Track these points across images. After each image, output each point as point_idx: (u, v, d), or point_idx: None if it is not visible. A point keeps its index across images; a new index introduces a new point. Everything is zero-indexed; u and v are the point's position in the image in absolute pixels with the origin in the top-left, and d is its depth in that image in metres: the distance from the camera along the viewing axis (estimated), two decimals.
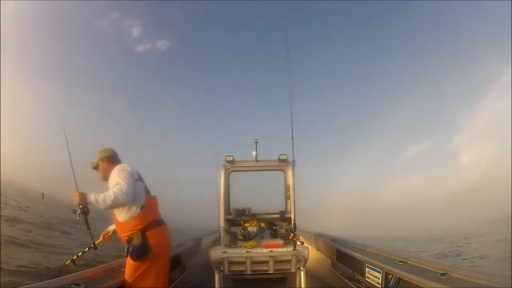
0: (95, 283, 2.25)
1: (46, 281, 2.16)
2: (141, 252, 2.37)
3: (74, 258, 2.76)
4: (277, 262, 3.14)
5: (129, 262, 2.41)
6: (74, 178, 2.45)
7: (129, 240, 2.43)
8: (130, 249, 2.39)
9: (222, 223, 3.86)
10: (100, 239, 2.77)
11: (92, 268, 2.56)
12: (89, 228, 2.46)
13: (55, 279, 2.18)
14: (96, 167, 2.63)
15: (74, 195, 2.29)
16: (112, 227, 2.79)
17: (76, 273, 2.36)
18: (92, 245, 2.61)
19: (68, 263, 2.75)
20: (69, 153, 2.54)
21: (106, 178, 2.51)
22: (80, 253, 2.77)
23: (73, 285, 2.06)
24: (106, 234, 2.79)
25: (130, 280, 2.39)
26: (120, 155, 2.67)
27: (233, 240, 3.58)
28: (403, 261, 2.56)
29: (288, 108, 3.56)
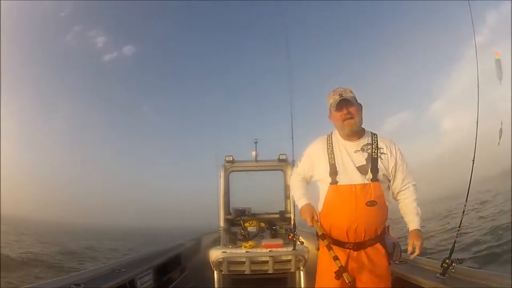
0: (95, 283, 2.25)
1: (45, 282, 2.16)
2: None
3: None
4: (276, 262, 3.14)
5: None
6: None
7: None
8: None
9: (222, 223, 3.86)
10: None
11: (92, 268, 2.56)
12: None
13: (54, 279, 2.17)
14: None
15: None
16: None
17: (76, 273, 2.36)
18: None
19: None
20: None
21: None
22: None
23: (73, 285, 2.06)
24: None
25: None
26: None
27: (233, 240, 3.58)
28: (403, 261, 2.56)
29: (288, 107, 3.56)
